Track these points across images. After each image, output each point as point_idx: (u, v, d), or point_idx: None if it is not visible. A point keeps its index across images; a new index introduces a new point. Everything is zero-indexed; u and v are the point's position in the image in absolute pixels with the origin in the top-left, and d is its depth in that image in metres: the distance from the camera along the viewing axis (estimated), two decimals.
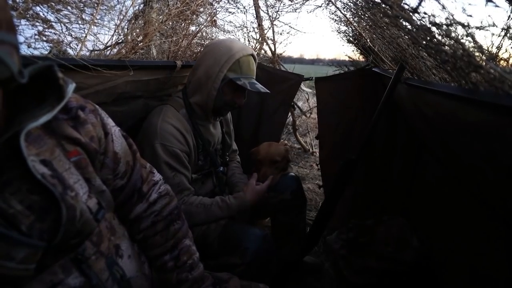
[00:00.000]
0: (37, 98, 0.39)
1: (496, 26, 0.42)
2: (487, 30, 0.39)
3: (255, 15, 2.41)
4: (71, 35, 0.79)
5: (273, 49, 2.50)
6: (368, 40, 1.46)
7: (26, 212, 0.37)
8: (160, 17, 1.20)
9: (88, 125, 0.48)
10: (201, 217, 0.99)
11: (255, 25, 2.43)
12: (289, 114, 2.80)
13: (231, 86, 1.02)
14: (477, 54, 0.45)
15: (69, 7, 0.75)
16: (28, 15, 0.62)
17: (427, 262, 1.22)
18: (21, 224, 0.37)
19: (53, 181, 0.40)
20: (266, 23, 2.49)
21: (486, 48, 0.56)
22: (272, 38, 2.50)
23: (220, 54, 1.00)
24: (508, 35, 0.49)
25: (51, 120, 0.40)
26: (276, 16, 2.46)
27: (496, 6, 0.31)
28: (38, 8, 0.65)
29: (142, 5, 1.44)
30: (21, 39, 0.61)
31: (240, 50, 1.00)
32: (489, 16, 0.38)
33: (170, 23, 1.25)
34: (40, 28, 0.65)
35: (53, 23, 0.72)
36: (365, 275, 1.27)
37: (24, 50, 0.61)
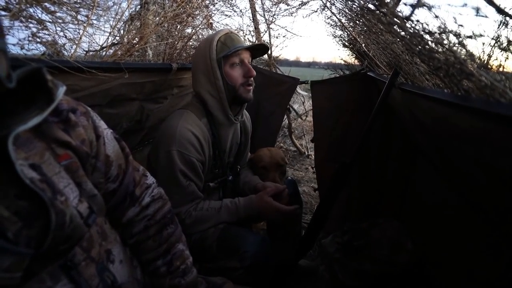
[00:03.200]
0: (27, 101, 0.38)
1: (488, 36, 0.42)
2: (478, 39, 0.40)
3: (251, 19, 2.42)
4: (66, 37, 0.79)
5: (269, 52, 2.51)
6: (363, 45, 1.47)
7: (13, 219, 0.36)
8: (157, 19, 1.20)
9: (79, 128, 0.47)
10: (212, 221, 0.98)
11: (252, 28, 2.44)
12: (285, 117, 2.81)
13: (229, 64, 0.99)
14: (468, 61, 0.46)
15: (64, 8, 0.74)
16: (22, 17, 0.61)
17: (421, 265, 1.22)
18: (7, 231, 0.36)
19: (42, 185, 0.39)
20: (262, 27, 2.51)
21: (478, 56, 0.57)
22: (269, 41, 2.52)
23: (203, 49, 0.99)
24: (498, 44, 0.50)
25: (41, 123, 0.39)
26: (273, 20, 2.47)
27: (486, 16, 0.32)
28: (32, 10, 0.64)
29: (138, 7, 1.44)
30: (14, 40, 0.60)
31: (217, 34, 0.99)
32: (479, 25, 0.39)
33: (166, 25, 1.25)
34: (34, 30, 0.64)
35: (48, 24, 0.72)
36: (359, 278, 1.28)
37: (18, 51, 0.61)
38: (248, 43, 1.07)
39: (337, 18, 1.64)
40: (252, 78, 1.02)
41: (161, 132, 0.97)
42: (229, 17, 2.35)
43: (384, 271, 1.25)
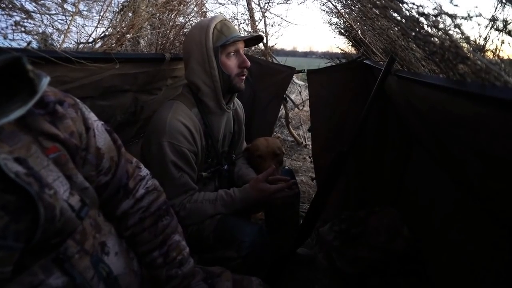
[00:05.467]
0: (10, 93, 0.37)
1: (484, 17, 0.41)
2: (475, 20, 0.39)
3: (246, 7, 2.37)
4: (53, 26, 0.76)
5: (264, 41, 2.47)
6: (359, 32, 1.45)
7: (0, 213, 0.36)
8: (150, 9, 1.17)
9: (67, 120, 0.46)
10: (208, 213, 0.98)
11: (246, 17, 2.40)
12: (282, 107, 2.79)
13: (225, 54, 0.98)
14: (464, 45, 0.45)
15: None
16: (3, 5, 0.59)
17: (418, 252, 1.24)
18: None
19: (28, 179, 0.38)
20: (257, 15, 2.46)
21: (474, 40, 0.56)
22: (264, 30, 2.47)
23: (197, 37, 0.97)
24: (495, 26, 0.49)
25: (26, 115, 0.38)
26: (267, 7, 2.42)
27: None
28: None
29: None
30: None
31: (211, 21, 0.97)
32: (476, 7, 0.38)
33: (158, 14, 1.22)
34: (18, 18, 0.62)
35: (32, 13, 0.69)
36: (357, 266, 1.29)
37: (1, 42, 0.59)
38: (242, 32, 1.06)
39: (332, 4, 1.61)
40: (246, 68, 1.02)
41: (152, 125, 0.97)
42: (223, 5, 2.30)
43: (381, 258, 1.27)
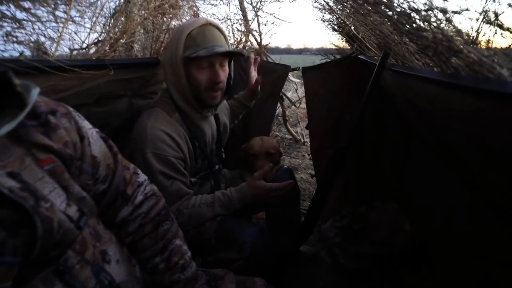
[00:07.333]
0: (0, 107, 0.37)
1: (475, 10, 0.41)
2: (465, 13, 0.39)
3: (238, 7, 2.36)
4: (44, 35, 0.76)
5: (258, 40, 2.47)
6: (352, 28, 1.45)
7: None
8: (142, 12, 1.16)
9: (61, 130, 0.46)
10: (206, 216, 0.97)
11: (239, 17, 2.39)
12: (279, 105, 2.79)
13: (195, 65, 0.91)
14: (457, 38, 0.45)
15: (38, 5, 0.71)
16: None
17: (420, 246, 1.24)
18: None
19: (23, 194, 0.38)
20: (250, 14, 2.45)
21: (466, 32, 0.56)
22: (257, 29, 2.47)
23: (173, 42, 0.93)
24: (486, 18, 0.49)
25: (18, 128, 0.38)
26: (260, 6, 2.42)
27: None
28: (4, 8, 0.61)
29: (121, 1, 1.39)
30: None
31: (190, 24, 0.91)
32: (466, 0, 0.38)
33: (151, 18, 1.21)
34: (9, 29, 0.61)
35: (24, 22, 0.68)
36: (360, 261, 1.30)
37: None
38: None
39: (324, 1, 1.61)
40: (220, 84, 0.95)
41: (133, 135, 0.93)
42: (215, 6, 2.28)
43: (383, 253, 1.28)
